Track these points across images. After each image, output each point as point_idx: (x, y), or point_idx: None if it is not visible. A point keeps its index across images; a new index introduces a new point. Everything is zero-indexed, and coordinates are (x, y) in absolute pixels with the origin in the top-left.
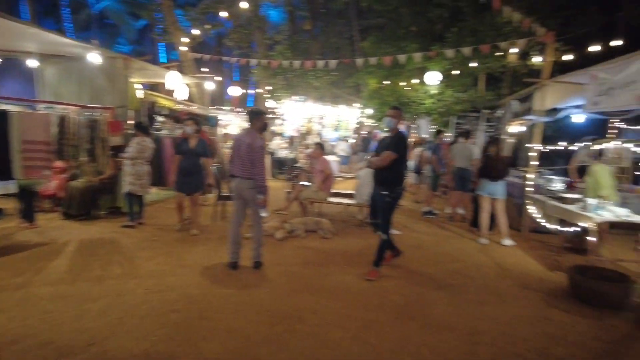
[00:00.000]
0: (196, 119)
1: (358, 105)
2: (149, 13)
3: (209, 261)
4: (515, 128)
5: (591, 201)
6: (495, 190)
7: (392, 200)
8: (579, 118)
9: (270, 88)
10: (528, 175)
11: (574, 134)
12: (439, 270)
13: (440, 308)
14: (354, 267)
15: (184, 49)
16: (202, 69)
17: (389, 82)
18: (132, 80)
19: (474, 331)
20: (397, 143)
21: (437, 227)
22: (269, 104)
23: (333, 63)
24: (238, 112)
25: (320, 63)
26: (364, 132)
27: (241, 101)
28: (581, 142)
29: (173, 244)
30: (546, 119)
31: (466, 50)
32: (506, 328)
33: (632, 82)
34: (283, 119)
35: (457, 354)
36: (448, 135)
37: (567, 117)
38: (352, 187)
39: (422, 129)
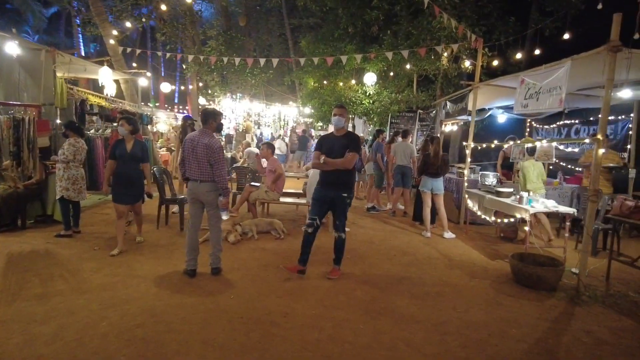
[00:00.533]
0: (130, 117)
1: (294, 104)
2: (69, 0)
3: (162, 269)
4: (448, 127)
5: (525, 194)
6: (435, 186)
7: (350, 200)
8: (502, 117)
9: (201, 84)
10: (465, 172)
11: (498, 132)
12: (394, 265)
13: (403, 301)
14: (314, 266)
15: (112, 42)
16: (133, 65)
17: (326, 82)
18: (59, 75)
19: (439, 322)
20: (356, 143)
21: (382, 223)
22: (200, 100)
23: (274, 61)
24: (166, 108)
25: (262, 60)
26: (298, 131)
27: (168, 98)
28: (508, 141)
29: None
30: (477, 118)
31: (405, 53)
32: (466, 316)
33: (555, 88)
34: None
35: (430, 346)
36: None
37: (492, 116)
38: (296, 186)
39: (358, 129)
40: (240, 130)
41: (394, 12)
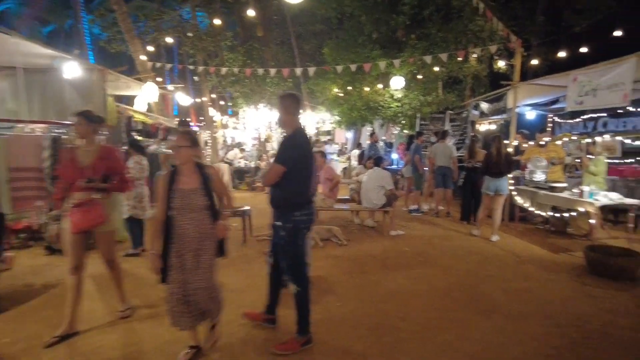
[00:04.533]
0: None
1: (313, 112)
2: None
3: (245, 280)
4: (484, 127)
5: (587, 188)
6: (499, 186)
7: (287, 233)
8: (530, 114)
9: (214, 96)
10: None
11: (525, 129)
12: (469, 264)
13: (501, 298)
14: (396, 270)
15: (144, 58)
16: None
17: (350, 88)
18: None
19: (547, 315)
20: (281, 150)
21: (430, 225)
22: (211, 112)
23: (311, 70)
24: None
25: (298, 70)
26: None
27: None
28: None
29: None
30: (504, 116)
31: (444, 56)
32: (569, 309)
33: (617, 84)
34: (242, 127)
35: (556, 339)
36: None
37: (518, 114)
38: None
39: (377, 132)
40: (262, 139)
41: (422, 16)
